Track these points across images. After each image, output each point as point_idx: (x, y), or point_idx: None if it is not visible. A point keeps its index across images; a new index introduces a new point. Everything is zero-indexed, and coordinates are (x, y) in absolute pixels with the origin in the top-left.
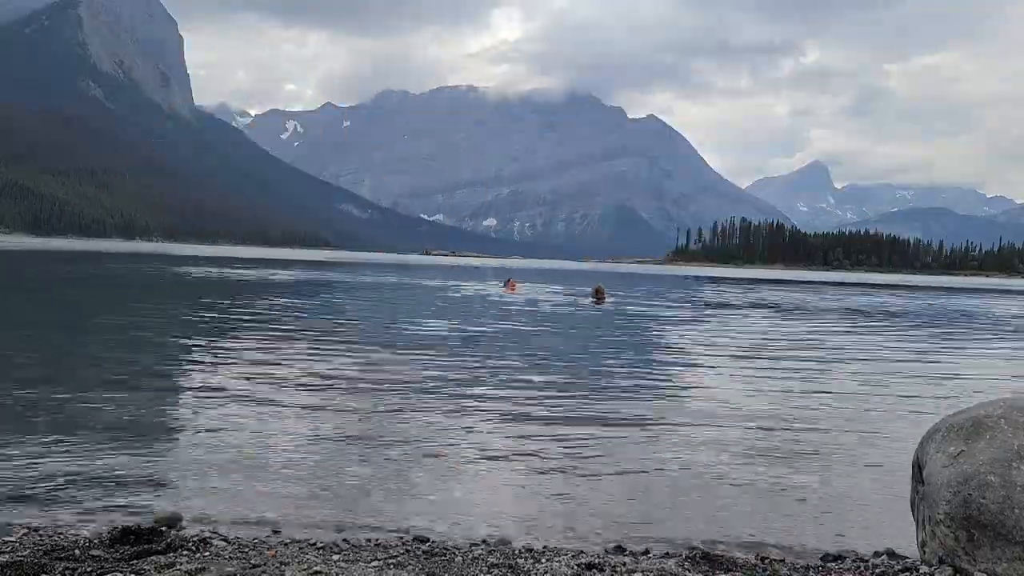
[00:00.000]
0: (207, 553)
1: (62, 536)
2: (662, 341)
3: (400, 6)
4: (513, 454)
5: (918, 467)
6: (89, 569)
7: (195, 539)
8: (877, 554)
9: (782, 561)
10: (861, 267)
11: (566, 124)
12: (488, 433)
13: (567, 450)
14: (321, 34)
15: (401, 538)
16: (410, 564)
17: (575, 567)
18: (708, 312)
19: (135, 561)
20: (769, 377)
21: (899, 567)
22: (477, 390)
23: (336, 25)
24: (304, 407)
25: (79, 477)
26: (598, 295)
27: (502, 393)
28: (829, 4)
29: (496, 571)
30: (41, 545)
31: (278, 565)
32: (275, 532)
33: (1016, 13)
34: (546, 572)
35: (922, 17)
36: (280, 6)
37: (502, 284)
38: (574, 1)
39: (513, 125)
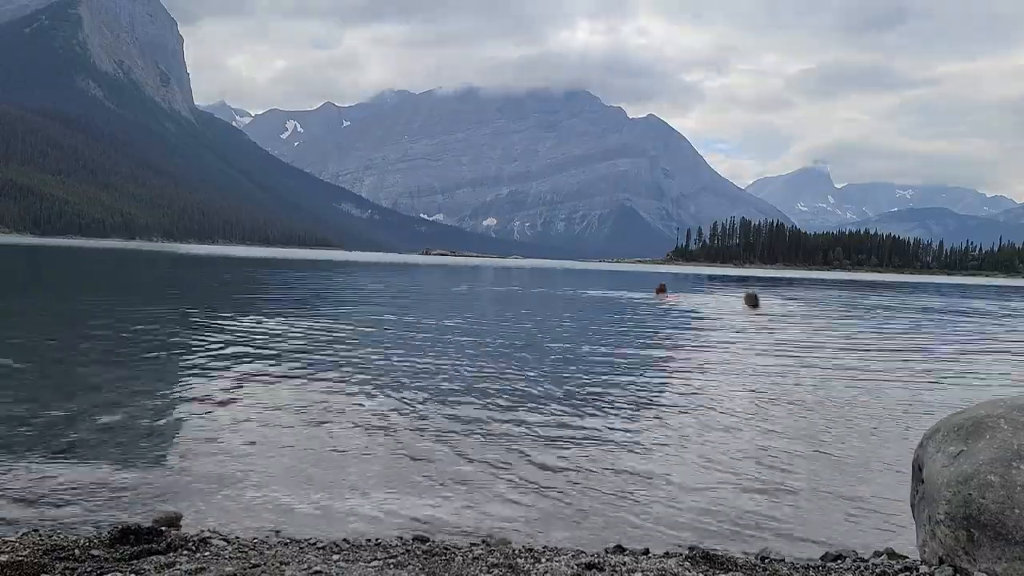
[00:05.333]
0: (207, 553)
1: (62, 536)
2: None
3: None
4: (512, 454)
5: (918, 467)
6: (89, 569)
7: (195, 539)
8: (877, 554)
9: (782, 561)
10: (861, 267)
11: (566, 124)
12: (488, 434)
13: (566, 450)
14: (324, 33)
15: (401, 538)
16: (410, 564)
17: (575, 567)
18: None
19: (135, 561)
20: (768, 377)
21: (899, 567)
22: (480, 389)
23: (338, 24)
24: (304, 408)
25: (79, 477)
26: (750, 302)
27: (503, 394)
28: (849, 15)
29: (496, 571)
30: (41, 545)
31: (278, 565)
32: (275, 532)
33: None
34: (546, 572)
35: (940, 27)
36: (279, 5)
37: (654, 292)
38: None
39: (513, 125)
